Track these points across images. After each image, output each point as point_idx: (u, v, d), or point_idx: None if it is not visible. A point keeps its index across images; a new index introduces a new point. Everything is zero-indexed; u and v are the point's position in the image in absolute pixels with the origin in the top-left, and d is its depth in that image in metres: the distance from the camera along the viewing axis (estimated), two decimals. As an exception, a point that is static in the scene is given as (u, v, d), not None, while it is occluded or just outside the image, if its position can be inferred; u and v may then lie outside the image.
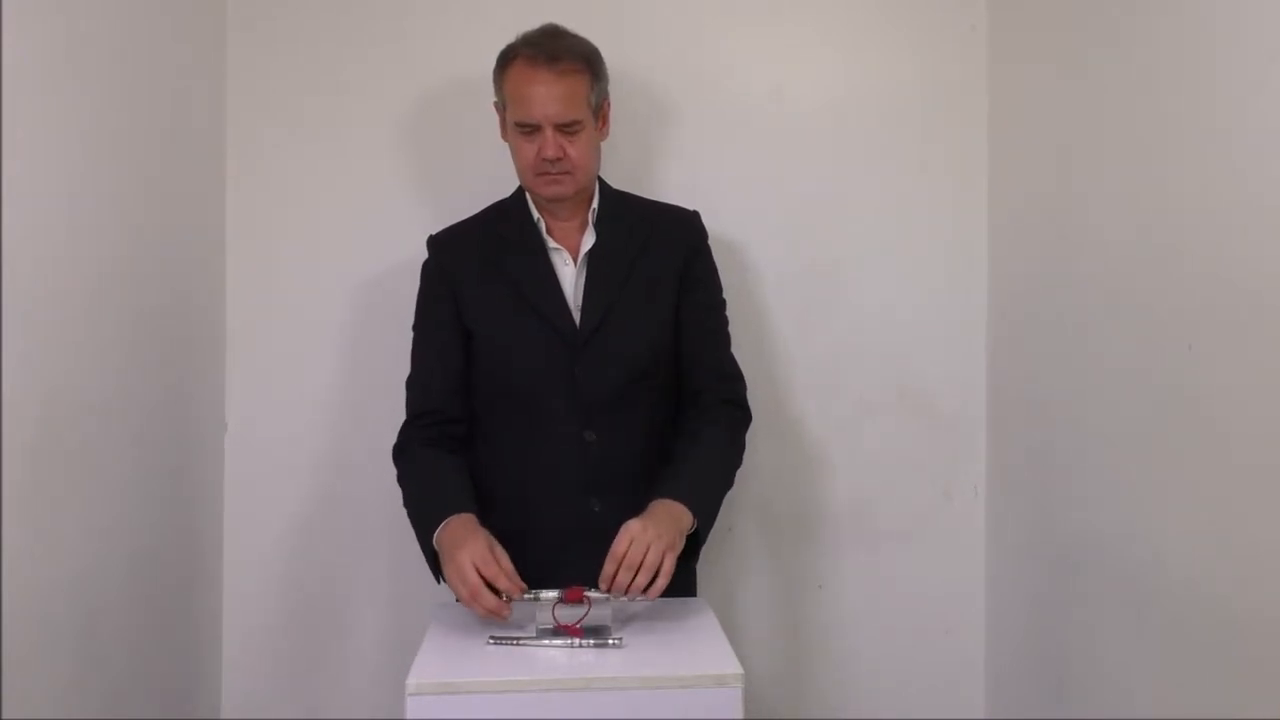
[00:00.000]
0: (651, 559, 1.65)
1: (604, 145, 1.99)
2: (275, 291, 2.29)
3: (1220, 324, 1.56)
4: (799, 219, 2.34)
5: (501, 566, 1.67)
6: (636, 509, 1.85)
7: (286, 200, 2.29)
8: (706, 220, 2.04)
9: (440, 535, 1.75)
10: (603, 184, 2.01)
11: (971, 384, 2.37)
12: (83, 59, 1.72)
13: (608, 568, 1.65)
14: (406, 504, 1.89)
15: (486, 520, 1.82)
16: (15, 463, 1.51)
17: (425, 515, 1.81)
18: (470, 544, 1.68)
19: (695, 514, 1.78)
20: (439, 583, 1.78)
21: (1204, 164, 1.60)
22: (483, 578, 1.65)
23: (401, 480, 1.93)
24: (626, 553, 1.65)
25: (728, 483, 1.93)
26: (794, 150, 2.34)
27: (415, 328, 1.99)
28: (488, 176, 2.07)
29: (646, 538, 1.67)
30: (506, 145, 1.95)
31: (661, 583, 1.66)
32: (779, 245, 2.34)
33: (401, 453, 1.95)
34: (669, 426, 1.97)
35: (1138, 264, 1.77)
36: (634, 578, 1.64)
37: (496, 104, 1.96)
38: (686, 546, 1.76)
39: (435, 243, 2.02)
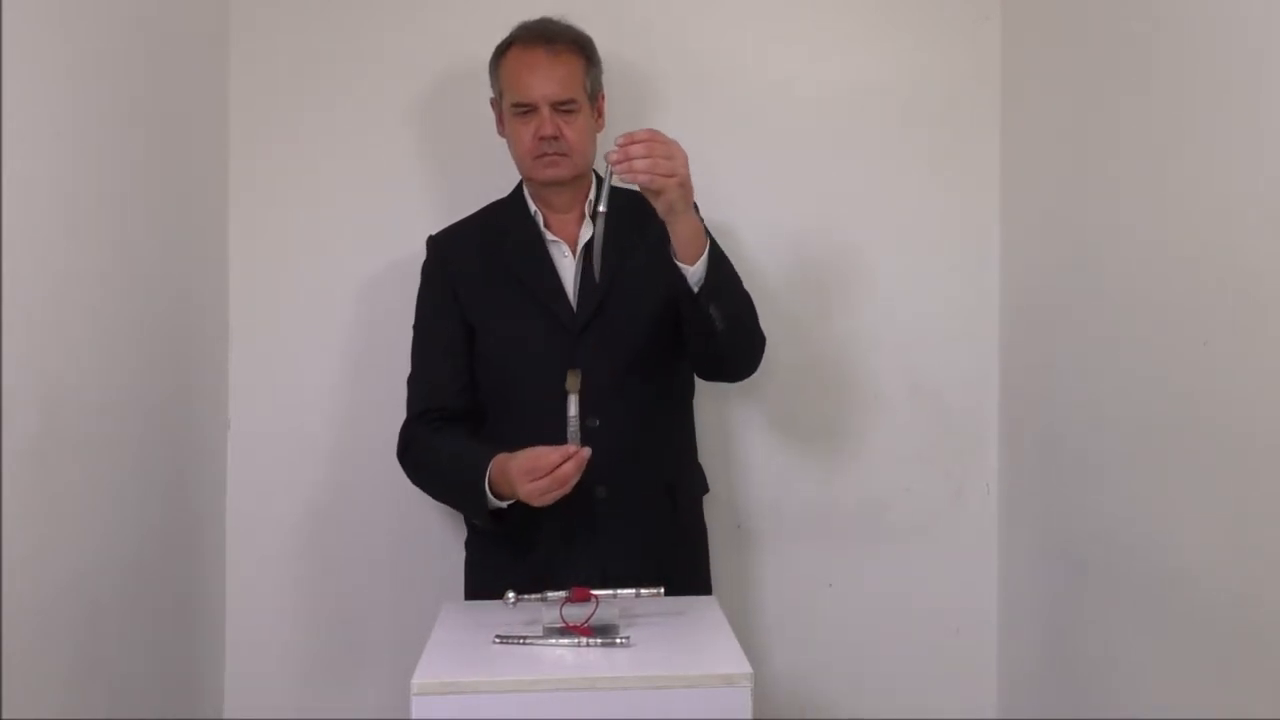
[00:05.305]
0: (665, 163, 1.68)
1: (605, 141, 1.97)
2: (278, 288, 2.28)
3: (1237, 320, 1.53)
4: (807, 214, 2.32)
5: (551, 460, 1.72)
6: (641, 495, 1.85)
7: (289, 197, 2.27)
8: (713, 216, 2.02)
9: (495, 485, 1.78)
10: (599, 177, 2.00)
11: (983, 381, 2.35)
12: (83, 56, 1.71)
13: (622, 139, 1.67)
14: (435, 485, 1.92)
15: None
16: (15, 463, 1.49)
17: (465, 470, 1.83)
18: (521, 470, 1.73)
19: (710, 251, 1.78)
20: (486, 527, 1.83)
21: (1220, 157, 1.57)
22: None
23: (419, 469, 1.94)
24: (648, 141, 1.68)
25: (741, 293, 1.90)
26: (802, 144, 2.32)
27: (415, 327, 2.01)
28: (491, 172, 2.07)
29: (670, 145, 1.69)
30: (507, 143, 1.96)
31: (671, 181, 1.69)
32: (787, 241, 2.31)
33: (408, 448, 1.96)
34: (672, 410, 1.98)
35: (1152, 258, 1.75)
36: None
37: (493, 99, 1.97)
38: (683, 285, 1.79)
39: (434, 242, 2.03)
